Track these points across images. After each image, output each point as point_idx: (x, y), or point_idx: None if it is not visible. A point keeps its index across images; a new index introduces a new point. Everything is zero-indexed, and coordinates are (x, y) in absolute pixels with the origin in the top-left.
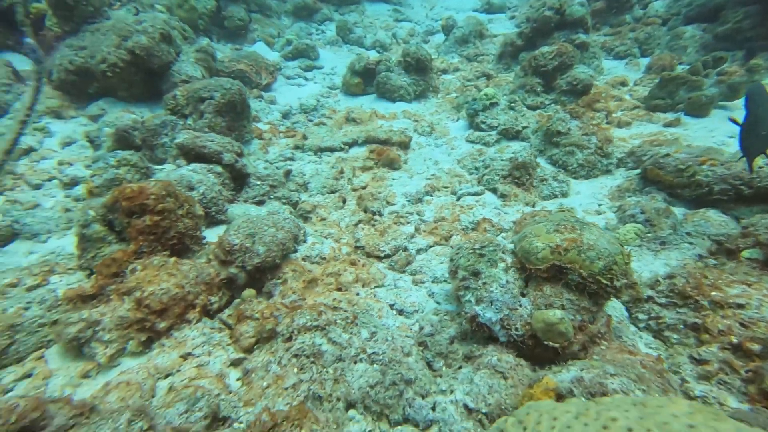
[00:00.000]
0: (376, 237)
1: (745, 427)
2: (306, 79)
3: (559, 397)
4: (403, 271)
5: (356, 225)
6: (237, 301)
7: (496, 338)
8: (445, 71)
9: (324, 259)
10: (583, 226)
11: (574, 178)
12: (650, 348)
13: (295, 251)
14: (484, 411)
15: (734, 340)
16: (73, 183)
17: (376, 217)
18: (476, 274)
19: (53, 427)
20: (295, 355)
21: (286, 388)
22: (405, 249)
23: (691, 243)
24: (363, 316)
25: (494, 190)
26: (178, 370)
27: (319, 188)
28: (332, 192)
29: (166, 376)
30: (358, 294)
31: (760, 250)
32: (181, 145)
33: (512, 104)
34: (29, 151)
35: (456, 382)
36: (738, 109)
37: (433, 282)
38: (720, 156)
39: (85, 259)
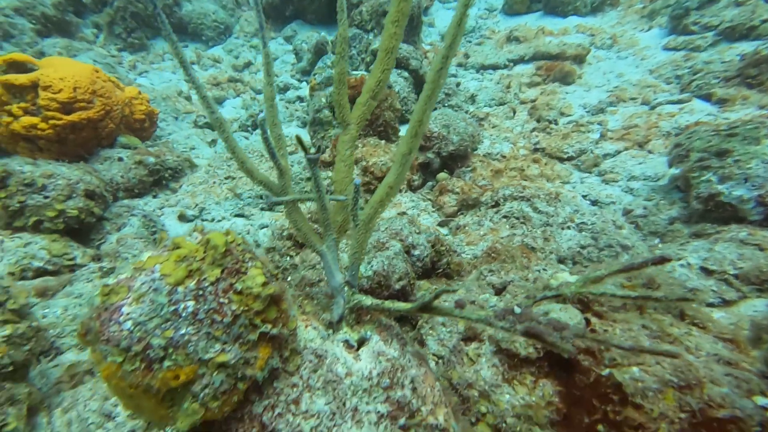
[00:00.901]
0: (557, 140)
1: None
2: None
3: None
4: (590, 172)
5: (531, 131)
6: (430, 183)
7: (742, 218)
8: None
9: (504, 157)
10: None
11: None
12: None
13: (475, 150)
14: (732, 273)
15: None
16: (285, 89)
17: (552, 125)
18: (722, 154)
19: None
20: (505, 217)
21: (502, 237)
22: (591, 152)
23: None
24: (563, 197)
25: (707, 96)
26: None
27: (487, 101)
28: (501, 104)
29: None
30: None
31: None
32: (376, 51)
33: None
34: (249, 64)
35: (685, 252)
36: None
37: (629, 180)
38: None
39: (316, 138)
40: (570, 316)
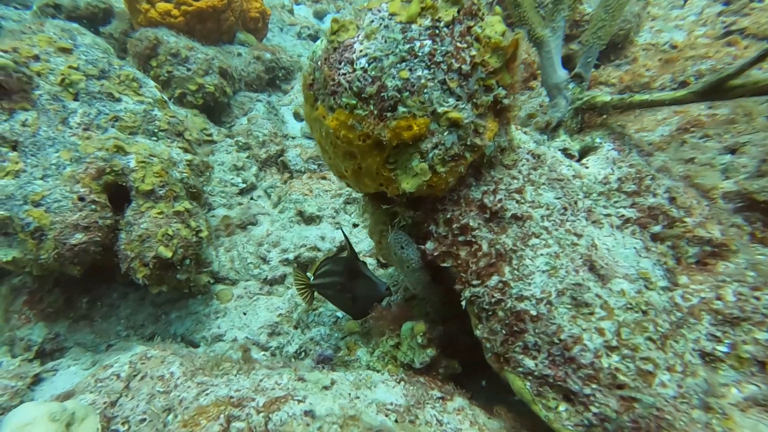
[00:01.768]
0: (766, 16)
1: None
2: None
3: None
4: None
5: (718, 16)
6: None
7: None
8: None
9: (674, 47)
10: None
11: None
12: None
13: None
14: None
15: None
16: None
17: (754, 2)
18: None
19: None
20: None
21: None
22: None
23: None
24: None
25: None
26: None
27: None
28: None
29: None
30: None
31: None
32: None
33: None
34: None
35: None
36: None
37: None
38: None
39: None
40: None
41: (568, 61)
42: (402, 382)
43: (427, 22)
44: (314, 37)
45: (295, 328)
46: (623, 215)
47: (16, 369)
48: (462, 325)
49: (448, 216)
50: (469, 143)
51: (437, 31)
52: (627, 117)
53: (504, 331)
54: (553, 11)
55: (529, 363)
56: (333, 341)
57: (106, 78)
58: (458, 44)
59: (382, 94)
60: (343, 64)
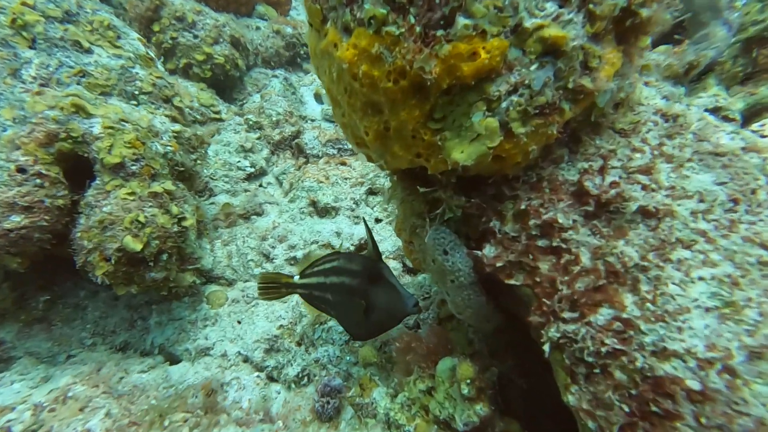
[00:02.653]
0: None
1: None
2: None
3: None
4: None
5: None
6: None
7: None
8: None
9: None
10: None
11: None
12: None
13: None
14: None
15: None
16: None
17: None
18: None
19: None
20: None
21: None
22: None
23: None
24: None
25: None
26: None
27: None
28: None
29: None
30: None
31: None
32: None
33: None
34: None
35: None
36: None
37: None
38: None
39: None
40: None
41: None
42: None
43: None
44: None
45: (298, 344)
46: None
47: None
48: (519, 360)
49: (522, 207)
50: (571, 86)
51: None
52: None
53: (627, 408)
54: None
55: None
56: (343, 366)
57: (72, 23)
58: None
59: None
60: None
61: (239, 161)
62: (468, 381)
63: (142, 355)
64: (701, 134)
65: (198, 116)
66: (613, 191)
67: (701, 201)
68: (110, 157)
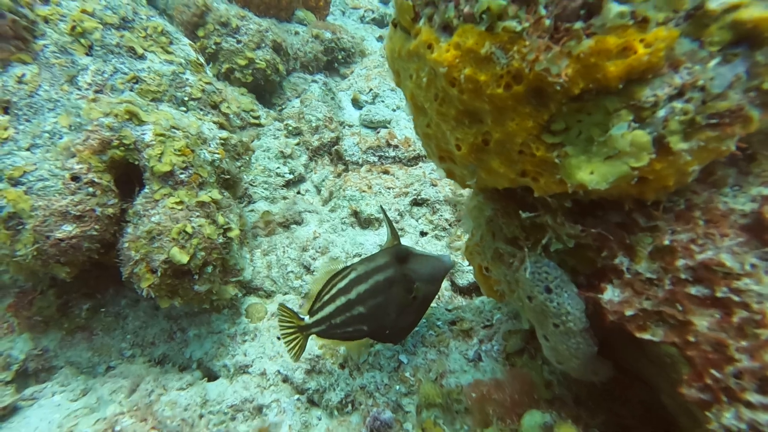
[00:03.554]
0: None
1: None
2: None
3: None
4: None
5: None
6: None
7: None
8: None
9: None
10: None
11: None
12: None
13: None
14: None
15: None
16: None
17: None
18: None
19: None
20: None
21: None
22: None
23: None
24: None
25: None
26: None
27: None
28: None
29: None
30: None
31: None
32: None
33: None
34: None
35: None
36: None
37: None
38: None
39: None
40: None
41: None
42: None
43: None
44: (379, 21)
45: (342, 367)
46: None
47: None
48: (614, 416)
49: (666, 242)
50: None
51: None
52: None
53: None
54: None
55: None
56: (392, 395)
57: (128, 29)
58: None
59: None
60: None
61: (278, 167)
62: None
63: (180, 370)
64: None
65: (239, 121)
66: None
67: None
68: (160, 165)
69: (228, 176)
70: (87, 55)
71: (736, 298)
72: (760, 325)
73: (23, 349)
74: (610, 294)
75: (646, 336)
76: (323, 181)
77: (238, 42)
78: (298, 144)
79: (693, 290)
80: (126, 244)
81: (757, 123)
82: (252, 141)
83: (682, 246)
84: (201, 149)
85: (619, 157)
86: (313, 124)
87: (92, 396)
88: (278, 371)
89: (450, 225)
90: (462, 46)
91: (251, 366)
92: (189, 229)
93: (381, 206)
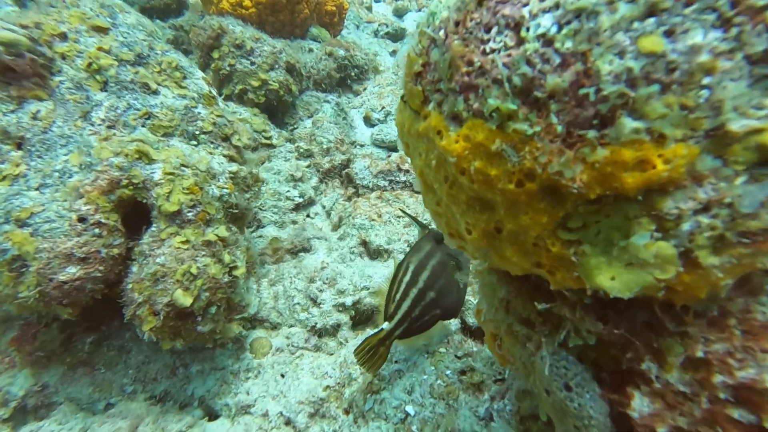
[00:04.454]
0: None
1: None
2: None
3: None
4: None
5: None
6: None
7: None
8: None
9: None
10: None
11: None
12: None
13: None
14: None
15: None
16: None
17: None
18: None
19: None
20: None
21: None
22: None
23: None
24: None
25: None
26: None
27: None
28: None
29: None
30: None
31: None
32: None
33: None
34: None
35: None
36: None
37: None
38: None
39: None
40: None
41: None
42: None
43: None
44: (393, 36)
45: (346, 412)
46: None
47: None
48: None
49: (699, 354)
50: None
51: None
52: None
53: None
54: None
55: None
56: None
57: (143, 65)
58: None
59: (584, 92)
60: (495, 32)
61: (288, 191)
62: None
63: (181, 407)
64: None
65: (250, 142)
66: None
67: None
68: (168, 205)
69: (236, 210)
70: (102, 90)
71: None
72: None
73: (23, 385)
74: (639, 403)
75: None
76: (333, 204)
77: (252, 63)
78: (308, 166)
79: (736, 414)
80: (130, 285)
81: None
82: (263, 162)
83: (718, 359)
84: (210, 185)
85: (643, 267)
86: (324, 146)
87: None
88: (281, 413)
89: None
90: (472, 140)
91: (253, 406)
92: (194, 270)
93: (401, 208)
